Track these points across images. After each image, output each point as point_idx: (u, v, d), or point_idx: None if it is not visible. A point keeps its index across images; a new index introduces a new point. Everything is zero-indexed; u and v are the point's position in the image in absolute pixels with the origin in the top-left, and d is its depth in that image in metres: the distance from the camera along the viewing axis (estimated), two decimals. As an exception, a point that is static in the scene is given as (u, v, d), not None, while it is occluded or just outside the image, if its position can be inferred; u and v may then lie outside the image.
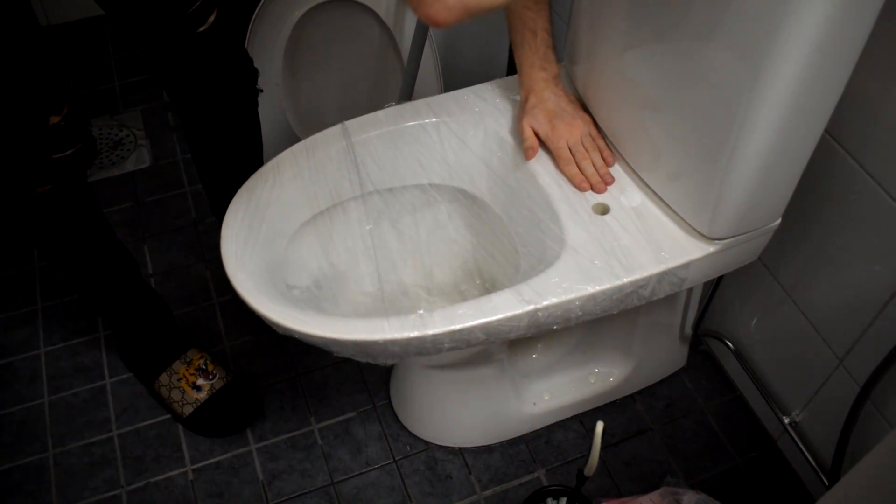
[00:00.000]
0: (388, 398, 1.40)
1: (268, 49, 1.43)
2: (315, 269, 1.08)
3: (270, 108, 1.52)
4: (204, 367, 1.37)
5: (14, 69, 0.93)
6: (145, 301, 1.36)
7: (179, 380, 1.36)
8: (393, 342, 0.89)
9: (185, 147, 1.82)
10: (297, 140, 1.51)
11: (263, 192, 1.04)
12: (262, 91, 1.22)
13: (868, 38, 0.80)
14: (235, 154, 1.29)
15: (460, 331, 0.90)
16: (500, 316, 0.91)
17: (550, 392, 1.34)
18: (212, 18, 1.05)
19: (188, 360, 1.37)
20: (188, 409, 1.35)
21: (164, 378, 1.37)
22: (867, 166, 0.99)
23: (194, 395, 1.35)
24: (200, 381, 1.36)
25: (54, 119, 0.98)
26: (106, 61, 2.02)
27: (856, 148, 1.00)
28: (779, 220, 1.03)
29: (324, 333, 0.89)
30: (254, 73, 1.19)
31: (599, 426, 0.94)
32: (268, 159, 1.08)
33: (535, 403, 1.33)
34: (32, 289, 1.55)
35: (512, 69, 1.71)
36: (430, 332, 0.89)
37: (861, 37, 0.80)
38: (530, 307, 0.92)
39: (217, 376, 1.37)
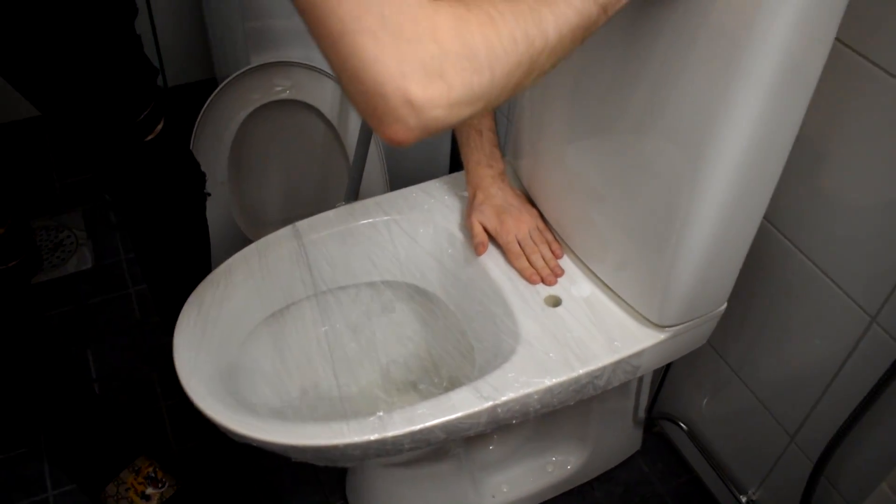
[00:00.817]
0: (345, 498, 1.37)
1: (213, 148, 1.44)
2: (270, 372, 1.07)
3: (216, 207, 1.52)
4: (153, 475, 1.32)
5: None
6: (90, 408, 1.31)
7: (128, 490, 1.31)
8: (353, 446, 0.88)
9: (128, 246, 1.80)
10: (244, 237, 1.53)
11: (215, 297, 1.02)
12: (209, 195, 1.22)
13: (798, 130, 0.85)
14: (183, 257, 1.28)
15: (420, 431, 0.89)
16: (460, 414, 0.91)
17: (508, 484, 1.33)
18: (159, 127, 1.05)
19: (136, 468, 1.33)
20: None
21: (111, 488, 1.31)
22: (802, 246, 1.03)
23: None
24: (150, 491, 1.31)
25: None
26: (45, 161, 1.99)
27: (790, 230, 1.04)
28: (725, 305, 1.06)
29: (282, 440, 0.87)
30: (201, 178, 1.19)
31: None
32: (215, 257, 1.07)
33: (493, 496, 1.31)
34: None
35: (455, 165, 1.76)
36: (391, 433, 0.88)
37: (795, 124, 0.84)
38: (489, 404, 0.92)
39: (167, 484, 1.32)
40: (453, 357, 1.11)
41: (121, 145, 1.05)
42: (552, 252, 1.09)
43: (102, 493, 1.32)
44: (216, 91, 1.44)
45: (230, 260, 1.07)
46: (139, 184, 1.12)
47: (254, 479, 1.40)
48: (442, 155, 1.74)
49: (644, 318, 1.01)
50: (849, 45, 0.87)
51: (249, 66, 1.43)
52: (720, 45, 0.76)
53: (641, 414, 1.39)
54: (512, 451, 1.33)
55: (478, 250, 1.08)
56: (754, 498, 1.28)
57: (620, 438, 1.41)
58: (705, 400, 1.34)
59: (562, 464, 1.36)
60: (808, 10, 0.72)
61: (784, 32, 0.72)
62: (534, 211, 1.12)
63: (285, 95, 1.48)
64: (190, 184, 1.18)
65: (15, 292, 1.07)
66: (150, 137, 1.05)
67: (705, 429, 1.36)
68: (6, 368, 1.17)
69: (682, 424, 1.39)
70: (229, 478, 1.40)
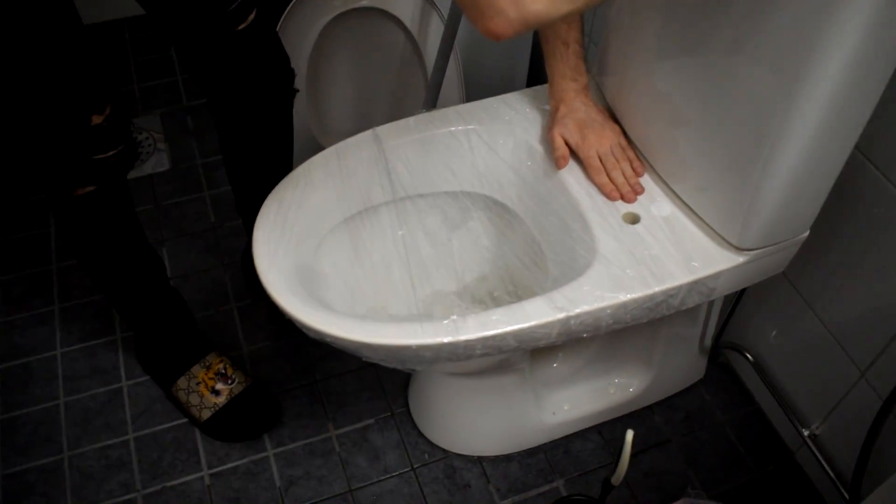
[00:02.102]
0: (407, 406, 1.40)
1: (292, 55, 1.43)
2: (347, 271, 1.08)
3: (294, 115, 1.52)
4: (223, 371, 1.37)
5: (58, 68, 0.93)
6: (169, 304, 1.36)
7: (198, 384, 1.35)
8: (425, 347, 0.89)
9: (205, 151, 1.83)
10: (318, 146, 1.53)
11: (295, 195, 1.04)
12: (298, 91, 1.22)
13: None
14: (268, 153, 1.29)
15: (493, 337, 0.90)
16: (533, 323, 0.91)
17: (570, 402, 1.34)
18: (251, 16, 1.06)
19: (207, 364, 1.37)
20: (206, 414, 1.34)
21: (182, 382, 1.36)
22: (894, 179, 0.99)
23: (213, 399, 1.34)
24: (219, 386, 1.35)
25: (96, 119, 0.98)
26: (125, 64, 2.02)
27: (883, 161, 1.00)
28: (807, 233, 1.03)
29: (356, 337, 0.89)
30: (291, 73, 1.19)
31: (629, 435, 0.94)
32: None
33: (554, 413, 1.33)
34: (49, 290, 1.55)
35: (532, 81, 1.73)
36: (463, 337, 0.89)
37: (892, 62, 0.80)
38: (562, 315, 0.92)
39: (236, 381, 1.36)
40: (528, 268, 1.11)
41: (214, 34, 1.05)
42: (633, 169, 1.07)
43: (174, 385, 1.37)
44: (297, -4, 1.43)
45: (310, 160, 1.08)
46: (231, 75, 1.12)
47: (320, 383, 1.43)
48: (520, 69, 1.70)
49: (724, 239, 1.00)
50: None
51: (331, -27, 1.42)
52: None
53: (708, 342, 1.38)
54: (576, 370, 1.33)
55: (558, 163, 1.07)
56: (817, 433, 1.27)
57: (684, 365, 1.40)
58: (774, 332, 1.32)
59: (624, 386, 1.36)
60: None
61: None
62: (616, 127, 1.10)
63: (366, 3, 1.46)
64: (280, 77, 1.18)
65: (114, 183, 1.08)
66: (241, 27, 1.05)
67: (772, 361, 1.34)
68: (99, 258, 1.20)
69: (748, 355, 1.37)
70: (297, 380, 1.43)
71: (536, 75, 1.70)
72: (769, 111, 0.85)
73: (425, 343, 0.89)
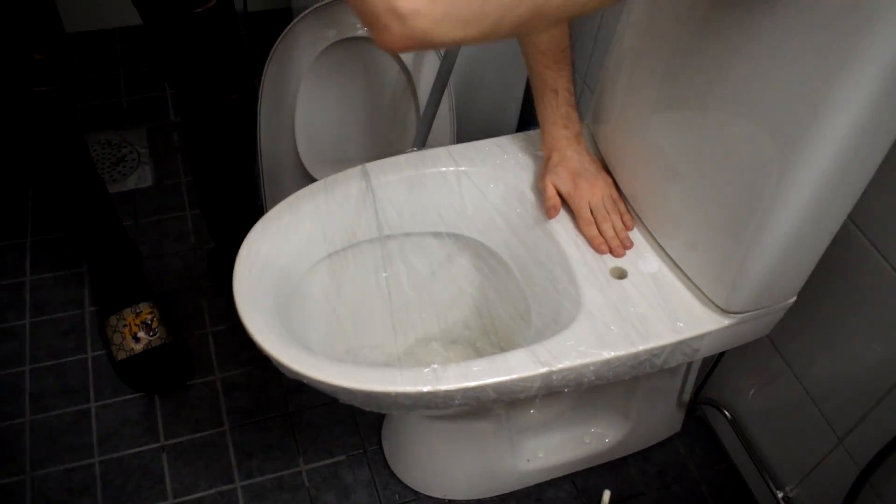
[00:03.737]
0: (380, 443, 1.38)
1: (285, 80, 1.43)
2: (328, 310, 1.06)
3: (284, 140, 1.51)
4: (149, 322, 1.44)
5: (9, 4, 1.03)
6: (115, 241, 1.44)
7: (124, 326, 1.43)
8: (404, 395, 0.87)
9: (189, 169, 1.80)
10: (307, 174, 1.52)
11: (279, 229, 1.02)
12: (257, 89, 1.30)
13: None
14: (226, 148, 1.36)
15: (473, 388, 0.88)
16: (515, 376, 0.90)
17: (545, 449, 1.33)
18: (211, 3, 1.11)
19: (138, 311, 1.45)
20: (121, 355, 1.42)
21: (112, 319, 1.45)
22: (880, 247, 0.99)
23: (131, 344, 1.42)
24: (141, 334, 1.43)
25: (37, 56, 1.09)
26: (115, 75, 2.00)
27: (871, 230, 1.00)
28: (794, 298, 1.03)
29: (334, 381, 0.87)
30: (248, 72, 1.25)
31: (606, 495, 0.92)
32: (279, 194, 1.07)
33: (528, 460, 1.31)
34: (22, 303, 1.52)
35: (523, 122, 1.73)
36: (443, 387, 0.87)
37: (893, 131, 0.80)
38: (544, 369, 0.90)
39: (157, 335, 1.44)
40: (511, 316, 1.10)
41: (174, 12, 1.11)
42: (623, 223, 1.06)
43: (107, 320, 1.46)
44: (293, 22, 1.42)
45: (298, 193, 1.06)
46: (189, 58, 1.19)
47: (293, 415, 1.41)
48: (511, 111, 1.70)
49: (710, 301, 0.99)
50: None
51: (328, 0, 1.41)
52: (833, 36, 0.72)
53: (687, 396, 1.37)
54: (552, 417, 1.32)
55: (549, 213, 1.06)
56: (791, 495, 1.26)
57: (662, 418, 1.39)
58: (753, 390, 1.31)
59: (600, 436, 1.35)
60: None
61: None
62: (608, 178, 1.09)
63: (361, 33, 1.45)
64: (235, 71, 1.24)
65: (59, 113, 1.19)
66: (200, 10, 1.10)
67: (749, 419, 1.34)
68: (50, 178, 1.29)
69: (725, 412, 1.36)
70: (269, 410, 1.41)
71: (528, 117, 1.70)
72: (765, 175, 0.84)
73: (404, 391, 0.87)
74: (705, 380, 1.34)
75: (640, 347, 0.94)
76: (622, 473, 1.39)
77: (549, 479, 1.35)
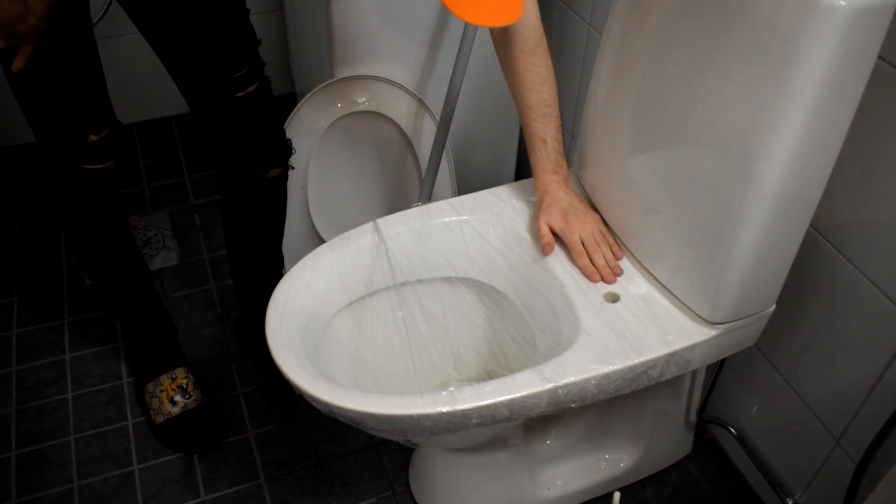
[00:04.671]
0: (407, 484, 1.46)
1: (296, 154, 1.55)
2: (352, 350, 1.17)
3: (297, 211, 1.63)
4: (185, 386, 1.54)
5: (70, 88, 1.15)
6: (152, 313, 1.54)
7: (162, 391, 1.53)
8: (425, 417, 0.97)
9: (211, 246, 1.93)
10: (321, 239, 1.64)
11: (303, 281, 1.13)
12: (293, 168, 1.40)
13: (842, 141, 0.93)
14: (261, 221, 1.46)
15: (487, 406, 0.98)
16: (524, 393, 0.99)
17: (563, 477, 1.40)
18: (252, 88, 1.22)
19: (174, 376, 1.54)
20: (160, 419, 1.51)
21: (150, 386, 1.55)
22: (849, 256, 1.10)
23: (169, 408, 1.51)
24: (178, 398, 1.52)
25: (93, 138, 1.19)
26: (136, 166, 2.15)
27: (839, 240, 1.11)
28: (773, 307, 1.12)
29: (361, 408, 0.97)
30: (287, 149, 1.35)
31: (617, 496, 1.00)
32: (297, 258, 1.18)
33: (549, 488, 1.39)
34: (63, 378, 1.62)
35: (519, 175, 1.85)
36: (460, 407, 0.97)
37: (839, 139, 0.92)
38: (550, 385, 1.00)
39: (193, 398, 1.53)
40: (518, 344, 1.20)
41: (216, 96, 1.22)
42: (613, 253, 1.17)
43: (144, 387, 1.56)
44: (303, 100, 1.56)
45: (317, 249, 1.17)
46: (228, 139, 1.29)
47: (323, 464, 1.49)
48: (508, 165, 1.83)
49: (697, 315, 1.09)
50: (890, 62, 0.95)
51: (333, 80, 1.55)
52: (767, 66, 0.85)
53: (693, 417, 1.45)
54: (568, 446, 1.40)
55: (545, 250, 1.17)
56: (800, 501, 1.33)
57: (672, 440, 1.47)
58: (755, 406, 1.40)
59: (614, 462, 1.43)
60: (850, 32, 0.80)
61: (827, 53, 0.81)
62: (596, 215, 1.21)
63: (364, 107, 1.59)
64: (274, 148, 1.34)
65: (108, 191, 1.29)
66: (240, 94, 1.21)
67: (754, 434, 1.42)
68: (94, 256, 1.40)
69: (731, 429, 1.44)
70: (301, 461, 1.49)
71: (523, 170, 1.83)
72: (729, 197, 0.96)
73: (425, 413, 0.96)
74: (707, 398, 1.43)
75: (636, 360, 1.04)
76: (639, 496, 1.45)
77: None
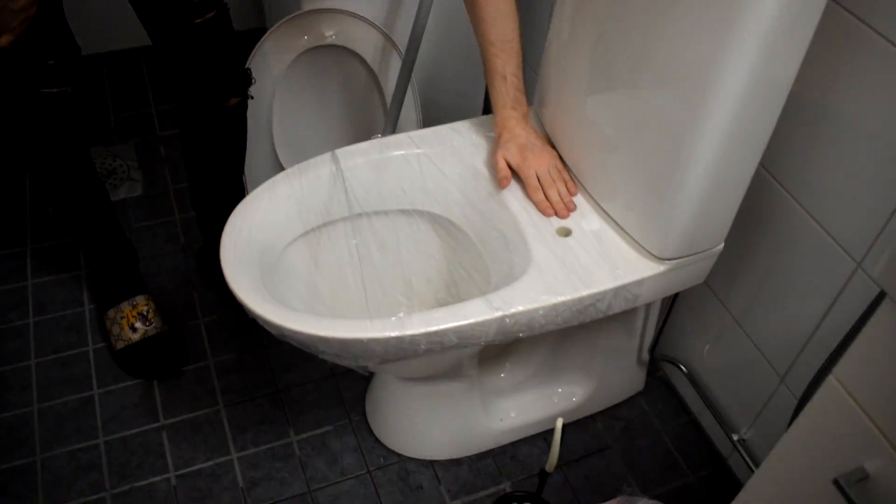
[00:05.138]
0: (364, 414, 1.49)
1: (260, 88, 1.54)
2: (306, 278, 1.18)
3: (262, 143, 1.63)
4: (145, 313, 1.54)
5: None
6: (113, 241, 1.55)
7: (122, 318, 1.54)
8: (374, 341, 0.99)
9: (176, 178, 1.92)
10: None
11: (260, 208, 1.14)
12: (252, 98, 1.39)
13: (791, 84, 0.94)
14: (220, 152, 1.46)
15: (435, 332, 1.00)
16: (472, 320, 1.01)
17: (517, 410, 1.43)
18: (210, 14, 1.21)
19: (135, 303, 1.55)
20: (120, 345, 1.52)
21: (111, 312, 1.56)
22: (797, 196, 1.12)
23: (129, 334, 1.52)
24: (138, 325, 1.53)
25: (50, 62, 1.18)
26: (102, 97, 2.12)
27: (787, 180, 1.13)
28: (721, 245, 1.15)
29: (312, 331, 0.98)
30: (246, 78, 1.35)
31: (559, 422, 1.03)
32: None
33: (501, 420, 1.42)
34: (25, 304, 1.63)
35: (486, 112, 1.85)
36: (409, 332, 0.99)
37: (788, 78, 0.93)
38: (498, 313, 1.02)
39: (153, 325, 1.54)
40: (471, 276, 1.22)
41: (175, 22, 1.21)
42: (567, 189, 1.19)
43: (105, 313, 1.57)
44: (268, 32, 1.54)
45: (274, 178, 1.18)
46: (187, 66, 1.29)
47: (282, 392, 1.52)
48: (475, 104, 1.83)
49: (646, 250, 1.11)
50: (846, 6, 0.96)
51: (300, 12, 1.53)
52: (720, 7, 0.87)
53: (645, 354, 1.49)
54: (522, 380, 1.43)
55: (501, 184, 1.18)
56: (745, 437, 1.37)
57: (624, 376, 1.50)
58: (706, 346, 1.43)
59: (567, 395, 1.46)
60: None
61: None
62: (553, 152, 1.22)
63: (331, 41, 1.58)
64: (232, 76, 1.33)
65: (66, 116, 1.29)
66: (199, 20, 1.21)
67: (704, 373, 1.46)
68: (52, 180, 1.39)
69: (682, 367, 1.48)
70: (260, 389, 1.52)
71: (489, 107, 1.82)
72: (680, 135, 0.98)
73: (374, 337, 0.98)
74: (658, 336, 1.46)
75: (584, 293, 1.06)
76: (590, 430, 1.49)
77: (522, 437, 1.46)
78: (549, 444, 1.46)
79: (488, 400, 1.40)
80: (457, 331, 1.01)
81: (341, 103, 1.68)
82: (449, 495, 1.39)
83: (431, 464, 1.42)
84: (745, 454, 1.35)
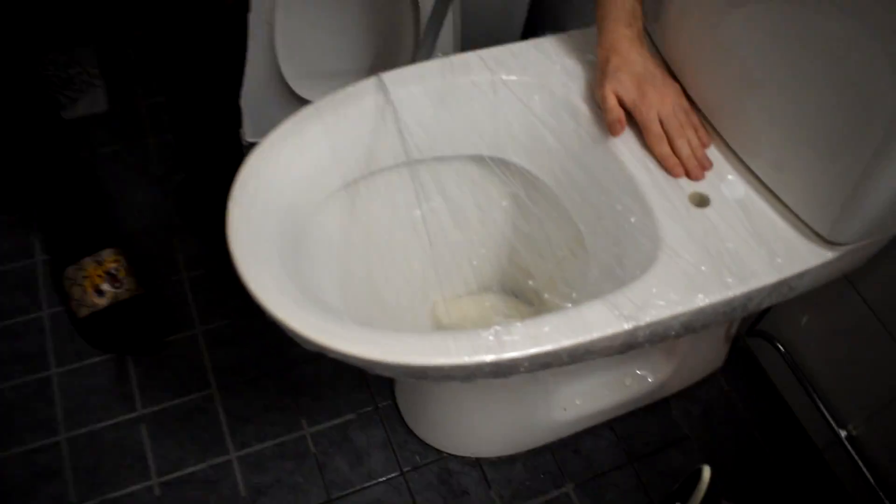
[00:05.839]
0: (393, 398, 1.23)
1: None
2: (345, 253, 0.88)
3: (261, 52, 1.30)
4: (114, 272, 1.27)
5: None
6: (70, 174, 1.31)
7: (85, 278, 1.26)
8: (461, 367, 0.70)
9: (148, 89, 1.60)
10: (292, 92, 1.32)
11: (280, 161, 0.83)
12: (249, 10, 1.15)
13: None
14: (214, 68, 1.25)
15: (545, 354, 0.72)
16: (595, 335, 0.73)
17: (583, 396, 1.19)
18: None
19: (100, 259, 1.27)
20: (83, 312, 1.25)
21: (70, 271, 1.27)
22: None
23: (94, 299, 1.25)
24: (105, 287, 1.25)
25: None
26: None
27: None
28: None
29: (371, 356, 0.70)
30: None
31: (707, 472, 0.77)
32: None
33: (565, 409, 1.18)
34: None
35: (528, 29, 1.53)
36: (508, 355, 0.70)
37: None
38: (630, 325, 0.74)
39: (125, 286, 1.27)
40: (567, 259, 0.93)
41: None
42: (699, 138, 0.88)
43: (64, 271, 1.28)
44: None
45: (299, 113, 0.87)
46: None
47: (290, 370, 1.25)
48: (518, 12, 1.51)
49: (811, 230, 0.83)
50: None
51: None
52: None
53: (734, 329, 1.25)
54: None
55: (613, 128, 0.87)
56: (855, 434, 1.15)
57: (708, 353, 1.27)
58: (806, 317, 1.18)
59: (642, 378, 1.22)
60: None
61: None
62: (677, 86, 0.92)
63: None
64: None
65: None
66: None
67: (803, 349, 1.21)
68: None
69: (778, 344, 1.23)
70: (262, 366, 1.26)
71: (533, 25, 1.50)
72: (879, 84, 0.69)
73: (461, 363, 0.70)
74: (766, 310, 1.20)
75: (738, 291, 0.78)
76: (665, 417, 1.27)
77: (586, 427, 1.23)
78: (617, 437, 1.23)
79: (551, 386, 1.15)
80: (573, 350, 0.72)
81: (361, 9, 1.35)
82: (501, 501, 1.16)
83: (478, 462, 1.19)
84: (855, 454, 1.12)
